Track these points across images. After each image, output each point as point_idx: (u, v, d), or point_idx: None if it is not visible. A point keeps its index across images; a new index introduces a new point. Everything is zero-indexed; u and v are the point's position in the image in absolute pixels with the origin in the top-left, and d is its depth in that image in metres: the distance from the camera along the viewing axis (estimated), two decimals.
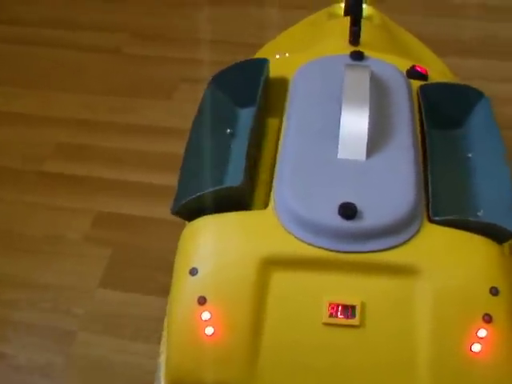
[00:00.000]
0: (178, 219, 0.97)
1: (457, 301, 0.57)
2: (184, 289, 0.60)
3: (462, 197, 0.68)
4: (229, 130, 0.76)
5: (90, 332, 0.86)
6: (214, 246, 0.61)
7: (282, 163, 0.65)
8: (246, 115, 0.78)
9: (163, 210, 0.99)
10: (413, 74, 0.78)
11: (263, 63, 0.78)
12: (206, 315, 0.59)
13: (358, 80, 0.69)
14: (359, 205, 0.59)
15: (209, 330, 0.58)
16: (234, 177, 0.64)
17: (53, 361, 0.83)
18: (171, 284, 0.63)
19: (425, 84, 0.77)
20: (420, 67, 0.80)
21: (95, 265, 0.93)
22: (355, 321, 0.58)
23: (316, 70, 0.76)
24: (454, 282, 0.57)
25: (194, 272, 0.60)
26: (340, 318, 0.58)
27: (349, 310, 0.58)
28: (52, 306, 0.89)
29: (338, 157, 0.65)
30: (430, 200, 0.63)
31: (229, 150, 0.74)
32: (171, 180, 1.04)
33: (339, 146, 0.65)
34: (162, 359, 0.63)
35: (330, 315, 0.58)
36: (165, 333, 0.65)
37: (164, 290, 0.89)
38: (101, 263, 0.93)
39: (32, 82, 1.25)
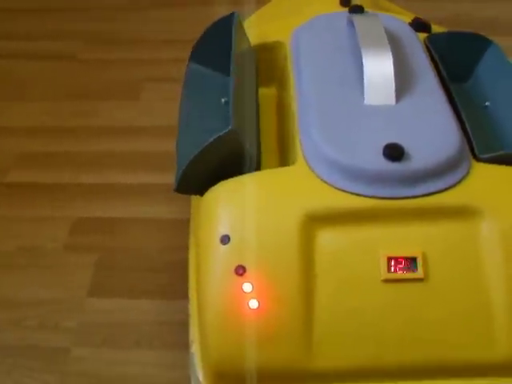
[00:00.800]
0: (161, 216, 0.90)
1: None
2: (217, 260, 0.52)
3: (498, 136, 0.63)
4: (223, 100, 0.69)
5: (85, 346, 0.76)
6: (246, 209, 0.53)
7: (305, 117, 0.59)
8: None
9: (144, 209, 0.92)
10: (417, 25, 0.73)
11: (231, 19, 0.72)
12: (247, 287, 0.51)
13: (371, 26, 0.64)
14: (404, 145, 0.53)
15: (253, 304, 0.51)
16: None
17: (47, 382, 0.72)
18: (198, 259, 0.55)
19: (433, 34, 0.72)
20: (422, 19, 0.75)
21: (80, 274, 0.83)
22: (418, 274, 0.51)
23: (316, 28, 0.71)
24: None
25: (225, 240, 0.52)
26: (401, 273, 0.51)
27: (409, 263, 0.51)
28: (38, 323, 0.78)
29: (365, 103, 0.58)
30: (472, 139, 0.57)
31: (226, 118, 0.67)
32: (148, 179, 0.97)
33: (365, 92, 0.59)
34: (195, 349, 0.54)
35: (390, 270, 0.51)
36: (193, 319, 0.56)
37: (158, 291, 0.81)
38: (86, 271, 0.83)
39: None
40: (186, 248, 0.81)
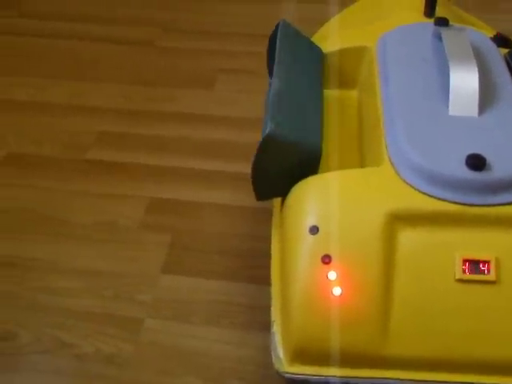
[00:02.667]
0: (225, 202, 0.95)
1: None
2: (306, 248, 0.56)
3: None
4: None
5: (158, 319, 0.81)
6: (334, 203, 0.57)
7: (391, 122, 0.63)
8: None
9: (210, 195, 0.97)
10: (498, 41, 0.76)
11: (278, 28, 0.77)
12: (332, 275, 0.55)
13: (458, 40, 0.67)
14: (486, 156, 0.57)
15: (336, 291, 0.55)
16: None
17: (121, 349, 0.78)
18: (285, 247, 0.59)
19: None
20: (504, 35, 0.78)
21: (155, 251, 0.89)
22: (491, 276, 0.55)
23: (402, 37, 0.75)
24: None
25: (314, 230, 0.56)
26: (474, 274, 0.55)
27: (483, 266, 0.55)
28: (113, 294, 0.84)
29: (449, 114, 0.62)
30: None
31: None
32: (216, 166, 1.02)
33: (450, 103, 0.62)
34: (276, 329, 0.59)
35: (464, 271, 0.55)
36: (274, 301, 0.61)
37: (227, 273, 0.86)
38: (161, 249, 0.89)
39: (66, 74, 1.22)
40: (246, 235, 0.86)
